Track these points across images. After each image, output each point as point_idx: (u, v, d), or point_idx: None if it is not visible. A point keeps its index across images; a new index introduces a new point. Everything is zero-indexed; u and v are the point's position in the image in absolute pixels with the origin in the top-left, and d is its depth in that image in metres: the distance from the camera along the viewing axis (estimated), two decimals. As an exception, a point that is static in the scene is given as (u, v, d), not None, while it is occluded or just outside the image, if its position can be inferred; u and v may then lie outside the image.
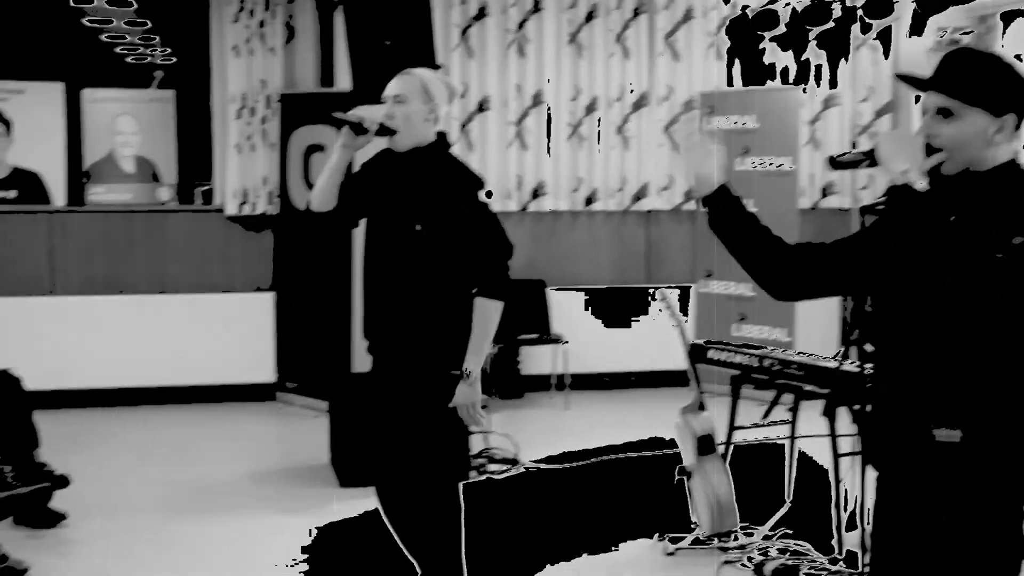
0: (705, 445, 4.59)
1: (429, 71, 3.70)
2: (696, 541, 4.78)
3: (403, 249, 3.56)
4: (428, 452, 3.61)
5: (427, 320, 3.54)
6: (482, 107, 8.09)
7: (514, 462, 6.14)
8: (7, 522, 5.08)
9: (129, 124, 8.00)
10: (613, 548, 4.88)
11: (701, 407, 4.65)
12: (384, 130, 3.57)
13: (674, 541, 4.81)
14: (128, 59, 10.39)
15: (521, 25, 8.09)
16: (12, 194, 7.85)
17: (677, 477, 4.78)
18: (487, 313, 3.55)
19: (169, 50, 10.35)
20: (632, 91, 8.27)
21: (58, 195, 7.91)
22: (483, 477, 5.91)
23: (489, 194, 3.68)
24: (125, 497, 5.70)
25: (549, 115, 8.18)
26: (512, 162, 8.16)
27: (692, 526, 4.81)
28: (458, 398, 3.52)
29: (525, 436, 6.50)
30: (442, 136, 3.67)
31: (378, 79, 3.77)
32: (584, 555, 4.79)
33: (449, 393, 3.53)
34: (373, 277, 3.67)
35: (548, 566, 4.66)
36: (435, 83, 3.64)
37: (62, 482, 5.24)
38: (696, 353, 4.90)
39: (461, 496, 3.69)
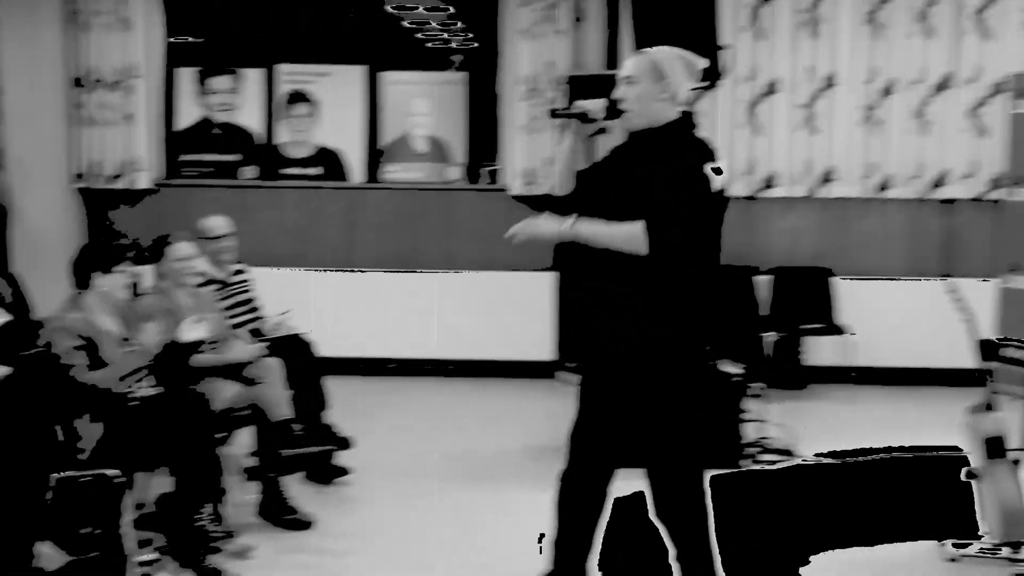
0: (994, 448, 4.28)
1: (666, 49, 3.57)
2: (983, 549, 4.47)
3: None
4: (663, 438, 3.56)
5: (657, 304, 3.47)
6: (771, 90, 7.87)
7: (789, 453, 5.95)
8: (298, 478, 5.42)
9: (424, 106, 8.32)
10: (888, 548, 4.64)
11: (990, 407, 4.34)
12: (612, 113, 3.53)
13: (958, 547, 4.52)
14: (428, 44, 10.79)
15: (814, 5, 7.80)
16: (317, 171, 8.33)
17: (964, 479, 4.48)
18: (632, 233, 3.38)
19: (468, 35, 10.67)
20: (935, 73, 7.81)
21: (357, 173, 8.32)
22: (756, 466, 5.77)
23: (718, 171, 3.49)
24: (405, 461, 5.96)
25: (842, 98, 7.85)
26: (800, 146, 7.89)
27: (980, 533, 4.50)
28: (532, 220, 3.51)
29: (804, 428, 6.29)
30: (685, 115, 3.55)
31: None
32: (855, 552, 4.58)
33: (679, 377, 3.47)
34: (596, 261, 3.60)
35: (813, 559, 4.49)
36: (669, 61, 3.53)
37: (345, 444, 5.53)
38: (988, 350, 4.57)
39: (704, 482, 3.62)
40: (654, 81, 3.50)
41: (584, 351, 3.65)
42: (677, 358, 3.48)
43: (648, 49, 3.59)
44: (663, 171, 3.40)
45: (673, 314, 3.44)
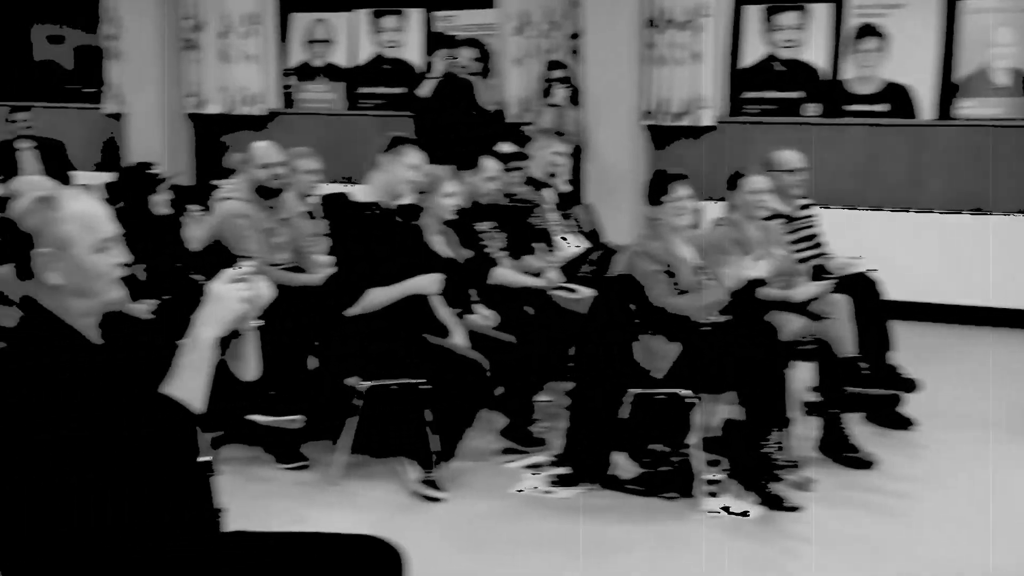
0: None
1: None
2: None
3: None
4: None
5: None
6: None
7: None
8: (859, 417, 5.32)
9: (1008, 35, 7.68)
10: None
11: None
12: None
13: None
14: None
15: None
16: (883, 107, 8.03)
17: None
18: None
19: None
20: None
21: (927, 109, 7.91)
22: None
23: None
24: (971, 410, 5.65)
25: None
26: None
27: None
28: None
29: None
30: None
31: None
32: None
33: None
34: None
35: None
36: None
37: (910, 386, 5.35)
38: None
39: None
40: None
41: None
42: None
43: None
44: None
45: None
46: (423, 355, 4.57)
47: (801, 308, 5.00)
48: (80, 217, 2.38)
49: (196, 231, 5.45)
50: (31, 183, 4.31)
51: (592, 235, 6.52)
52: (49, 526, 2.25)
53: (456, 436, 4.63)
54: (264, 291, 2.48)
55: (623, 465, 4.70)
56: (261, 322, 2.54)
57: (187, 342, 2.35)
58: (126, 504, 2.29)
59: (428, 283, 4.65)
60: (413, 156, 4.73)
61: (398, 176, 4.70)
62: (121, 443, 2.23)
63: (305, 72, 9.77)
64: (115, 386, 2.30)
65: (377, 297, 4.55)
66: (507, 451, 5.07)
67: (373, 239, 4.55)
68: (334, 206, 4.88)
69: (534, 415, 5.22)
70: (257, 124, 9.57)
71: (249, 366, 2.59)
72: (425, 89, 8.15)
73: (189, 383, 2.31)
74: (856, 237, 7.28)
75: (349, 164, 8.25)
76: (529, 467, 4.91)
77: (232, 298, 2.40)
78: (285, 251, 5.38)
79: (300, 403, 4.84)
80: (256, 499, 4.51)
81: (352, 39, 9.62)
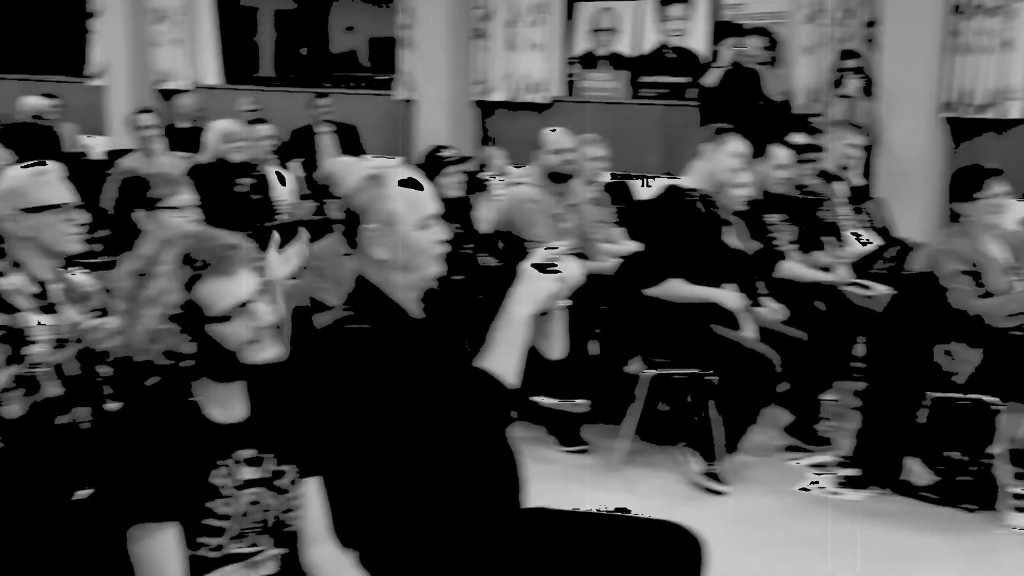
0: None
1: None
2: None
3: None
4: None
5: None
6: None
7: None
8: None
9: None
10: None
11: None
12: None
13: None
14: None
15: None
16: None
17: None
18: None
19: None
20: None
21: None
22: None
23: None
24: None
25: None
26: None
27: None
28: None
29: None
30: None
31: None
32: None
33: None
34: None
35: None
36: None
37: None
38: None
39: None
40: None
41: None
42: None
43: None
44: None
45: None
46: (711, 346, 4.50)
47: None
48: (406, 195, 2.48)
49: (487, 213, 5.59)
50: (346, 164, 4.52)
51: (883, 231, 6.26)
52: (372, 490, 2.35)
53: (740, 430, 4.54)
54: (574, 272, 2.50)
55: (917, 471, 4.47)
56: (569, 302, 2.57)
57: (502, 318, 2.40)
58: (442, 471, 2.37)
59: (732, 300, 4.56)
60: (736, 145, 4.68)
61: (721, 164, 4.66)
62: (440, 413, 2.31)
63: (589, 60, 9.85)
64: (435, 359, 2.38)
65: (678, 290, 4.50)
66: (791, 448, 4.93)
67: (679, 224, 4.53)
68: (624, 189, 4.90)
69: (820, 413, 5.05)
70: (539, 112, 9.72)
71: (556, 345, 2.63)
72: (711, 78, 8.04)
73: (504, 358, 2.36)
74: None
75: (629, 154, 8.24)
76: (814, 466, 4.76)
77: (544, 277, 2.44)
78: (572, 237, 5.42)
79: (584, 387, 4.88)
80: (537, 480, 4.55)
81: (637, 28, 9.61)
